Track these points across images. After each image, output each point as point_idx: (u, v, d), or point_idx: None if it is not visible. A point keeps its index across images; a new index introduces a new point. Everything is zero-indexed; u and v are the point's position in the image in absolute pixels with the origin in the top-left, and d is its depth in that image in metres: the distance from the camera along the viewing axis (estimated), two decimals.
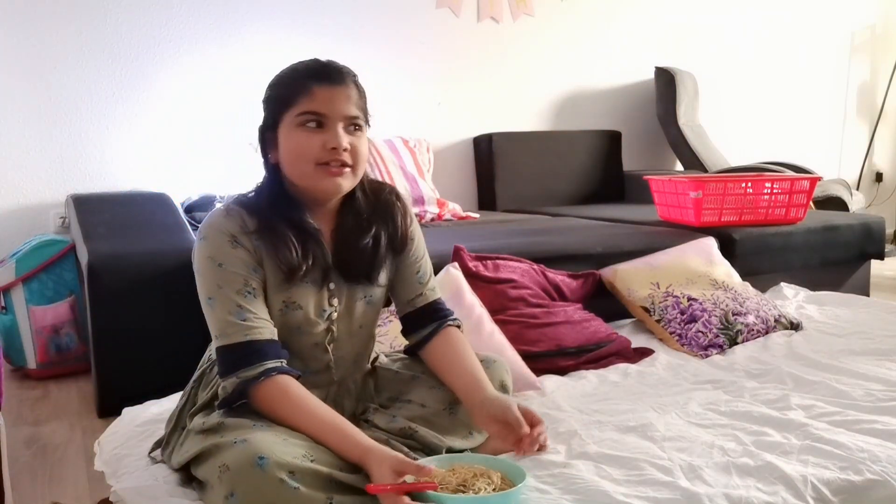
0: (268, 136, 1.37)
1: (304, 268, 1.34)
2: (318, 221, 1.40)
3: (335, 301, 1.40)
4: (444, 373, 1.48)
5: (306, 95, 1.31)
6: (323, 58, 1.39)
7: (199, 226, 1.38)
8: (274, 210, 1.35)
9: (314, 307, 1.38)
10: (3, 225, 2.93)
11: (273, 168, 1.38)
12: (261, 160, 1.41)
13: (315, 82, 1.32)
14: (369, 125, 1.40)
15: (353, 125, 1.35)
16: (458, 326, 1.54)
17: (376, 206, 1.46)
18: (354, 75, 1.38)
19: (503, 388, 1.51)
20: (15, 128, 2.94)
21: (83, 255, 2.22)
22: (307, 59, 1.38)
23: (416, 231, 1.53)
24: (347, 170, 1.34)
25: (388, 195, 1.49)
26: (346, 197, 1.42)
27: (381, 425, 1.43)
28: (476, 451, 1.47)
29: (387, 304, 1.57)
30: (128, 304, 2.11)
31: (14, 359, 2.58)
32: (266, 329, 1.31)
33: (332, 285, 1.40)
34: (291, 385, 1.29)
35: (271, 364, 1.28)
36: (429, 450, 1.39)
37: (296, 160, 1.33)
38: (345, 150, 1.32)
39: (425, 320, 1.52)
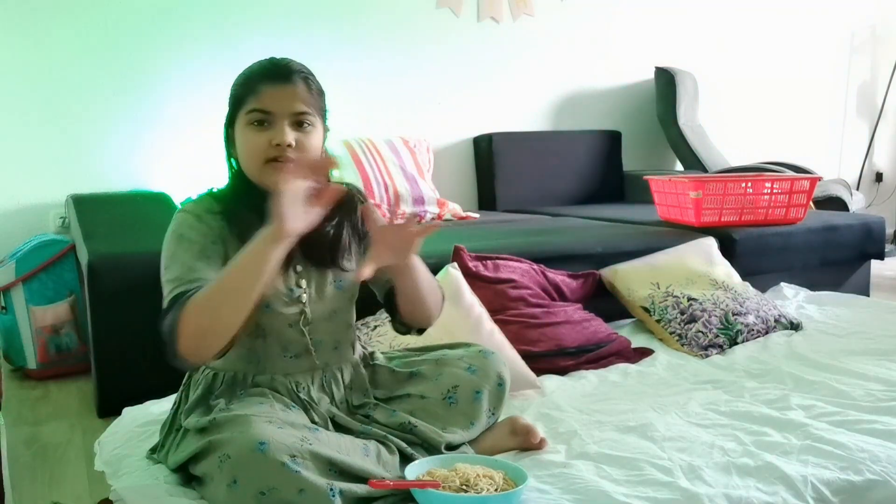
0: (229, 134, 1.42)
1: None
2: None
3: (303, 282, 1.43)
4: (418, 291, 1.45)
5: (254, 94, 1.36)
6: (278, 56, 1.42)
7: None
8: (239, 200, 1.40)
9: (281, 287, 1.40)
10: (3, 225, 2.93)
11: (237, 163, 1.43)
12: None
13: (263, 81, 1.36)
14: (325, 121, 1.42)
15: (301, 122, 1.37)
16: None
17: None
18: (305, 73, 1.40)
19: (500, 380, 1.52)
20: (15, 128, 2.94)
21: (83, 255, 2.22)
22: (263, 59, 1.41)
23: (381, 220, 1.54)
24: (293, 166, 1.36)
25: (348, 189, 1.50)
26: None
27: (380, 420, 1.44)
28: (474, 444, 1.47)
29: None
30: (128, 304, 2.11)
31: (14, 359, 2.57)
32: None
33: (298, 267, 1.43)
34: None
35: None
36: (428, 444, 1.41)
37: (246, 158, 1.38)
38: (289, 145, 1.34)
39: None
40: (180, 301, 1.24)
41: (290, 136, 1.35)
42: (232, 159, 1.44)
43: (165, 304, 1.29)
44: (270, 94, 1.35)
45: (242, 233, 1.34)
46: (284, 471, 1.15)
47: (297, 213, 1.19)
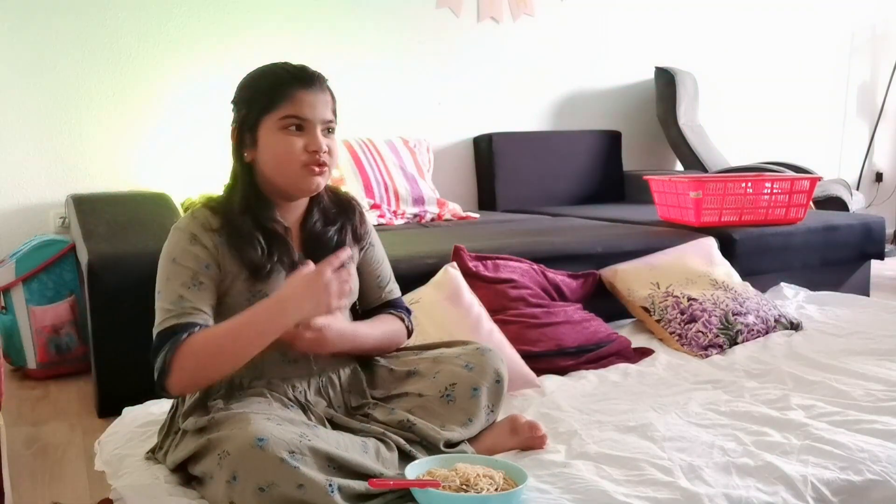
0: (245, 136, 1.43)
1: (269, 266, 1.40)
2: (287, 216, 1.47)
3: None
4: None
5: (289, 100, 1.39)
6: (299, 57, 1.46)
7: None
8: (243, 211, 1.42)
9: None
10: (3, 225, 2.93)
11: (247, 166, 1.44)
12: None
13: (296, 87, 1.40)
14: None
15: (329, 128, 1.44)
16: (403, 320, 1.62)
17: (339, 204, 1.56)
18: (326, 80, 1.46)
19: (498, 376, 1.52)
20: (15, 128, 2.94)
21: (83, 255, 2.22)
22: (280, 61, 1.45)
23: (375, 236, 1.63)
24: (326, 169, 1.43)
25: (347, 195, 1.60)
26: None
27: (379, 418, 1.45)
28: (474, 443, 1.47)
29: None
30: (128, 304, 2.11)
31: (14, 359, 2.57)
32: (199, 316, 1.34)
33: None
34: (209, 329, 1.33)
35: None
36: (427, 442, 1.41)
37: (282, 161, 1.40)
38: (324, 151, 1.40)
39: (380, 311, 1.62)
40: (175, 340, 1.28)
41: (324, 142, 1.41)
42: (240, 161, 1.45)
43: (156, 331, 1.33)
44: (306, 101, 1.39)
45: (241, 247, 1.38)
46: (284, 466, 1.16)
47: (334, 295, 1.29)
